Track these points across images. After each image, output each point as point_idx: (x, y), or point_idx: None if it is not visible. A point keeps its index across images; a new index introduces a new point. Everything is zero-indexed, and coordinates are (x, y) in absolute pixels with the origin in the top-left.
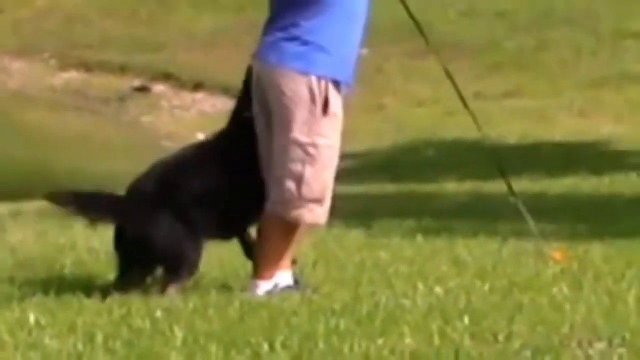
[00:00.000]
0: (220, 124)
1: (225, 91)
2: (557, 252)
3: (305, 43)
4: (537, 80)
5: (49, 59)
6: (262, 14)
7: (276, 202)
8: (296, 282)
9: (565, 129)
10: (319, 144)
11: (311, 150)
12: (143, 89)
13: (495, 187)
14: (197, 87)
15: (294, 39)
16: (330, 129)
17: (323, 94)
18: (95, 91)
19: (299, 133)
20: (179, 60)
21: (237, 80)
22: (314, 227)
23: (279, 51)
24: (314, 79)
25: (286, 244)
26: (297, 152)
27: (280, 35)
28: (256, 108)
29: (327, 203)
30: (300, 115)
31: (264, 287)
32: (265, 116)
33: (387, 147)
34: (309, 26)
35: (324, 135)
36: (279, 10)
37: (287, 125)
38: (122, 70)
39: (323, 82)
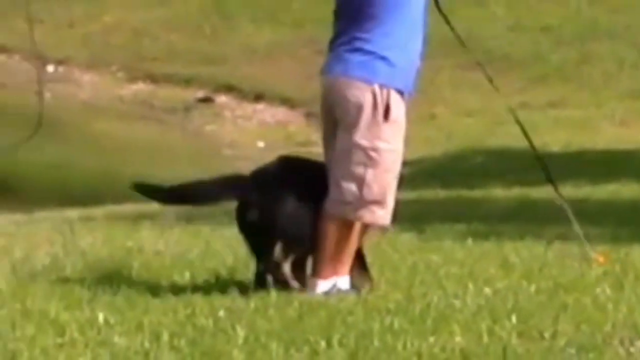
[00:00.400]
0: (280, 132)
1: (284, 101)
2: (599, 254)
3: (367, 53)
4: (580, 91)
5: (117, 71)
6: (318, 29)
7: (337, 202)
8: (353, 287)
9: (607, 137)
10: (380, 148)
11: (372, 153)
12: (206, 100)
13: (541, 192)
14: (258, 97)
15: (356, 50)
16: (392, 134)
17: (384, 101)
18: (161, 102)
19: (361, 137)
20: (240, 73)
21: (295, 91)
22: (377, 228)
23: (343, 62)
24: (376, 86)
25: (345, 243)
26: (359, 155)
27: (343, 48)
28: (322, 117)
29: (389, 205)
30: (363, 120)
31: (322, 286)
32: (330, 125)
33: (438, 155)
34: (370, 38)
35: (385, 140)
36: (342, 27)
37: (350, 130)
38: (187, 81)
39: (385, 90)
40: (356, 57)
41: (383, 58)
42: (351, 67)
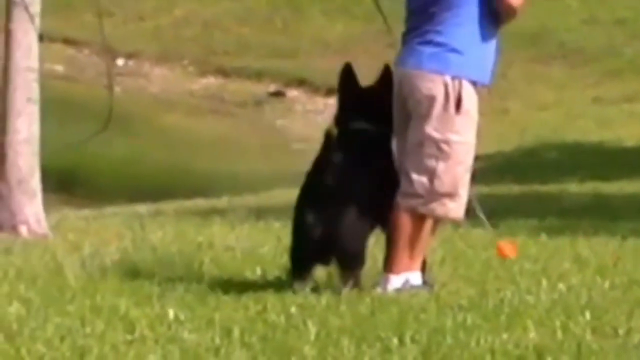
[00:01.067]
0: None
1: None
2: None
3: (439, 45)
4: None
5: (188, 65)
6: (390, 23)
7: (408, 195)
8: (425, 282)
9: None
10: (452, 141)
11: (444, 146)
12: (278, 94)
13: (615, 187)
14: (330, 92)
15: (428, 42)
16: (464, 127)
17: (456, 92)
18: (232, 96)
19: (432, 130)
20: (312, 66)
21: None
22: (448, 221)
23: (415, 55)
24: (448, 78)
25: (417, 237)
26: (431, 148)
27: (416, 41)
28: (395, 110)
29: (462, 198)
30: (435, 112)
31: (394, 281)
32: (403, 117)
33: (511, 150)
34: (442, 30)
35: (457, 132)
36: (415, 20)
37: (422, 122)
38: (258, 75)
39: (457, 81)
40: (428, 49)
41: (455, 50)
42: (423, 59)
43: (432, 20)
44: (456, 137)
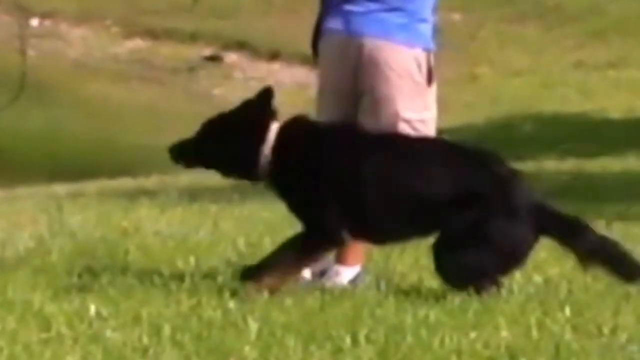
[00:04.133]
0: (299, 96)
1: (304, 61)
2: None
3: (409, 14)
4: None
5: (112, 25)
6: None
7: None
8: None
9: None
10: (426, 119)
11: (419, 125)
12: (214, 58)
13: (598, 165)
14: (274, 56)
15: (394, 10)
16: (432, 100)
17: (426, 65)
18: (163, 61)
19: (406, 110)
20: (253, 27)
21: None
22: None
23: (379, 23)
24: (419, 51)
25: None
26: (405, 129)
27: (374, 6)
28: (332, 80)
29: None
30: (407, 90)
31: (346, 274)
32: (351, 93)
33: (481, 122)
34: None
35: (429, 108)
36: None
37: (392, 101)
38: (192, 38)
39: (425, 53)
40: (396, 19)
41: (423, 19)
42: (392, 29)
43: None
44: (429, 114)
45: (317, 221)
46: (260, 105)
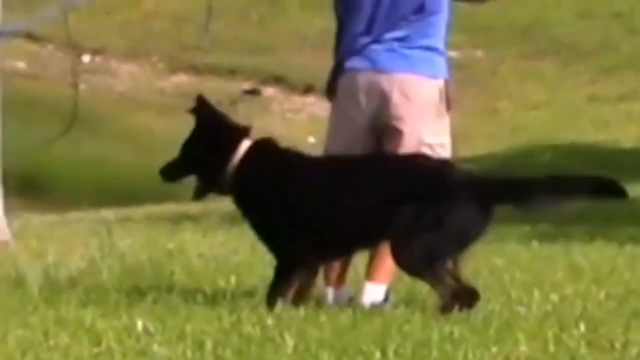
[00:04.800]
0: None
1: None
2: None
3: (430, 50)
4: None
5: (158, 61)
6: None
7: None
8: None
9: None
10: (445, 142)
11: (439, 149)
12: (253, 92)
13: None
14: (308, 89)
15: (417, 47)
16: (448, 125)
17: (445, 94)
18: (205, 94)
19: (429, 135)
20: (289, 63)
21: None
22: None
23: (405, 59)
24: (441, 81)
25: None
26: (427, 152)
27: (398, 45)
28: (358, 116)
29: None
30: (431, 117)
31: (378, 291)
32: (377, 124)
33: (502, 151)
34: (430, 33)
35: (447, 133)
36: (389, 26)
37: (418, 129)
38: (232, 73)
39: (445, 82)
40: (420, 54)
41: (441, 52)
42: (417, 63)
43: (417, 24)
44: (446, 138)
45: (280, 246)
46: (233, 123)
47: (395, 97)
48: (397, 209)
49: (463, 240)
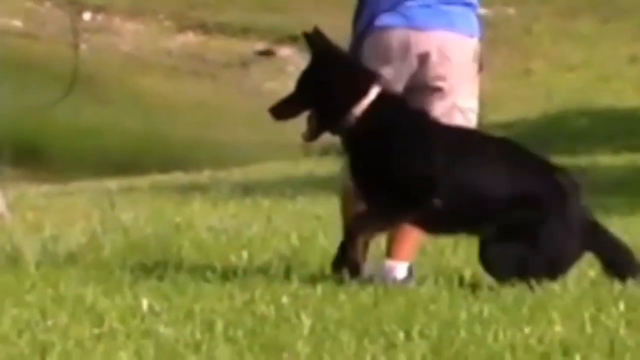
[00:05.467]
0: None
1: None
2: None
3: (466, 5)
4: None
5: (164, 19)
6: None
7: None
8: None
9: None
10: (474, 108)
11: (470, 115)
12: (267, 53)
13: None
14: None
15: (453, 2)
16: (478, 89)
17: (479, 54)
18: (215, 55)
19: (462, 99)
20: (306, 21)
21: None
22: None
23: (442, 16)
24: (476, 40)
25: None
26: (459, 119)
27: (440, 1)
28: (398, 78)
29: None
30: (466, 79)
31: (401, 269)
32: (410, 83)
33: (536, 116)
34: None
35: (477, 96)
36: None
37: (453, 91)
38: (244, 32)
39: (479, 42)
40: (456, 10)
41: (476, 8)
42: (455, 20)
43: None
44: (476, 103)
45: (412, 183)
46: (363, 66)
47: (434, 57)
48: (510, 207)
49: (551, 267)
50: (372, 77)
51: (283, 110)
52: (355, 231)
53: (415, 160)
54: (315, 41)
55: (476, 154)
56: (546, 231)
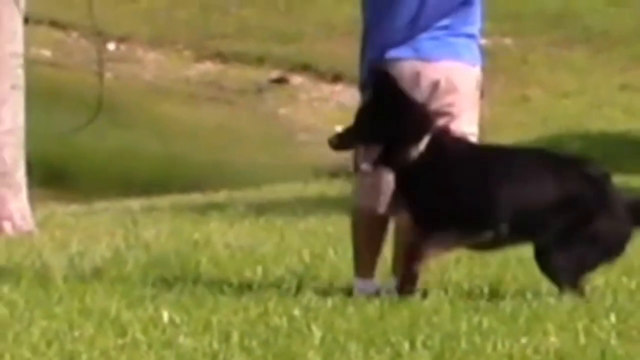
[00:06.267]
0: None
1: None
2: None
3: (470, 37)
4: None
5: (184, 49)
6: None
7: None
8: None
9: None
10: (475, 132)
11: (472, 139)
12: (280, 80)
13: None
14: (336, 78)
15: (460, 35)
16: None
17: (481, 81)
18: (231, 82)
19: (466, 124)
20: (317, 51)
21: None
22: None
23: (449, 47)
24: (478, 68)
25: None
26: None
27: (442, 33)
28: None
29: None
30: (469, 106)
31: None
32: None
33: (532, 140)
34: (471, 21)
35: (477, 122)
36: (434, 11)
37: (458, 118)
38: (259, 61)
39: (480, 70)
40: (462, 41)
41: (478, 40)
42: (460, 51)
43: (461, 13)
44: (477, 128)
45: (480, 210)
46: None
47: (443, 85)
48: (558, 212)
49: (610, 256)
50: (430, 115)
51: (341, 142)
52: (424, 251)
53: (481, 189)
54: (378, 78)
55: (524, 169)
56: (597, 223)
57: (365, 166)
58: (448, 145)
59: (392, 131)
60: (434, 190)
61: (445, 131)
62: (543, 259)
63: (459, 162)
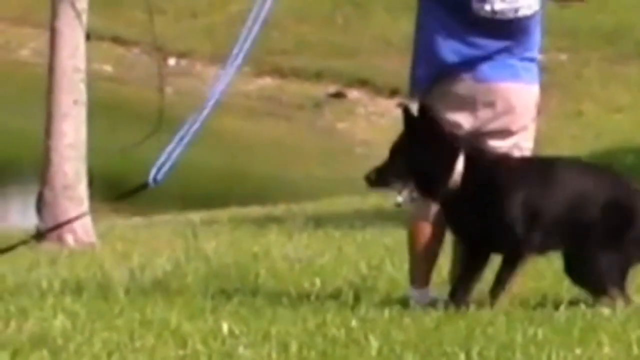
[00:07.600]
0: None
1: None
2: None
3: (530, 60)
4: None
5: (243, 65)
6: None
7: None
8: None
9: None
10: (531, 147)
11: (526, 153)
12: (338, 95)
13: None
14: (393, 92)
15: (518, 57)
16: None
17: (538, 99)
18: (290, 97)
19: (523, 140)
20: (374, 66)
21: None
22: None
23: (508, 69)
24: (536, 88)
25: None
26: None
27: (499, 54)
28: (469, 123)
29: None
30: (527, 123)
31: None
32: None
33: (585, 154)
34: (529, 45)
35: (533, 136)
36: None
37: (515, 135)
38: (317, 76)
39: (538, 89)
40: (521, 63)
41: (536, 61)
42: (520, 73)
43: (520, 39)
44: (532, 143)
45: (517, 236)
46: (450, 135)
47: (500, 106)
48: (598, 219)
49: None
50: (458, 142)
51: (378, 180)
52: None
53: (525, 204)
54: (408, 115)
55: (563, 181)
56: (629, 229)
57: (400, 200)
58: (482, 168)
59: (422, 164)
60: (480, 213)
61: (480, 153)
62: (578, 269)
63: (498, 182)
